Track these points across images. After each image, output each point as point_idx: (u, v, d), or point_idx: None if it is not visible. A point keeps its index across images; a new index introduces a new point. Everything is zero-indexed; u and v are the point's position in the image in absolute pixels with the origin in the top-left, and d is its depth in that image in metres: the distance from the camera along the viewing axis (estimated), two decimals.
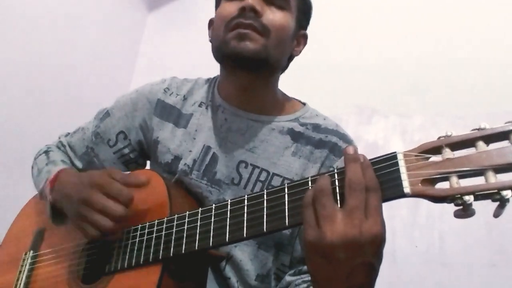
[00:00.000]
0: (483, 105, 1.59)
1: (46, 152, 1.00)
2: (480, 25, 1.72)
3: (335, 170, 0.59)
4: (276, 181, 0.85)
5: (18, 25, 2.12)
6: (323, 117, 0.94)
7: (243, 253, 0.83)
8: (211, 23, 0.96)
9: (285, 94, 0.98)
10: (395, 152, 0.56)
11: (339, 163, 0.86)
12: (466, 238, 1.47)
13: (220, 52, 0.85)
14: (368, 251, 0.52)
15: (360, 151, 0.59)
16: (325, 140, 0.88)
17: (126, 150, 0.97)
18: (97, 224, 0.74)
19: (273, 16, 0.84)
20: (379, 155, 0.57)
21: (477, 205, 0.50)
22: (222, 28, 0.84)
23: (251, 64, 0.83)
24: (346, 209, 0.53)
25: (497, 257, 1.42)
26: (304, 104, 0.98)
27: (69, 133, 1.05)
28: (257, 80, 0.88)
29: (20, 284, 0.89)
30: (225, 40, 0.83)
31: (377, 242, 0.52)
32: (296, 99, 0.99)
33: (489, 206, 0.50)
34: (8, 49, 2.08)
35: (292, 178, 0.85)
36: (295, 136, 0.89)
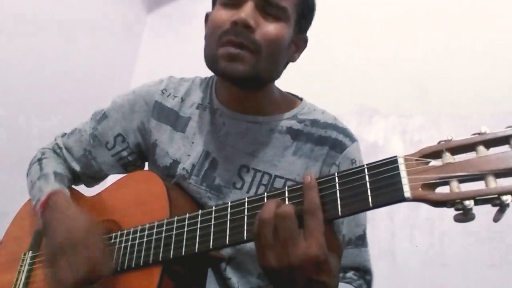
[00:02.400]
0: (483, 105, 1.59)
1: (40, 160, 0.98)
2: (480, 24, 1.72)
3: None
4: (278, 183, 0.85)
5: (18, 26, 2.12)
6: (321, 111, 0.93)
7: (245, 255, 0.82)
8: (207, 18, 0.92)
9: (281, 91, 0.96)
10: (395, 156, 0.56)
11: (341, 159, 0.86)
12: (466, 238, 1.47)
13: (210, 67, 0.83)
14: (310, 271, 0.57)
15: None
16: (324, 136, 0.87)
17: (125, 153, 0.97)
18: (56, 277, 0.74)
19: (267, 30, 0.79)
20: (380, 159, 0.57)
21: (477, 205, 0.50)
22: (214, 40, 0.80)
23: (240, 83, 0.83)
24: (280, 238, 0.58)
25: (497, 257, 1.42)
26: (301, 99, 0.96)
27: (65, 134, 1.04)
28: (250, 90, 0.87)
29: (20, 284, 0.89)
30: (215, 56, 0.80)
31: (316, 263, 0.57)
32: (293, 94, 0.97)
33: (489, 206, 0.50)
34: (8, 49, 2.07)
35: (294, 178, 0.85)
36: (295, 134, 0.88)
